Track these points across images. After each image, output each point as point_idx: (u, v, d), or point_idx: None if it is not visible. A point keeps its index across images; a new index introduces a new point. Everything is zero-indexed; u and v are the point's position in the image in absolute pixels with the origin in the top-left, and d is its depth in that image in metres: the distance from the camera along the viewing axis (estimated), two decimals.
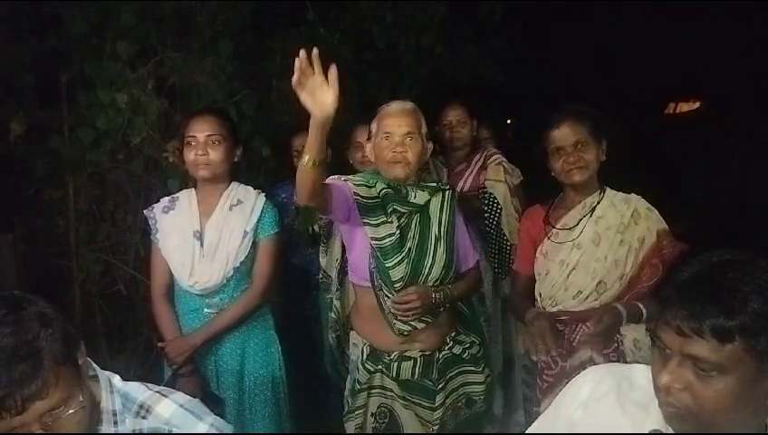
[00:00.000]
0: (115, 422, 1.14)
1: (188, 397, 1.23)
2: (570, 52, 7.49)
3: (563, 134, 1.94)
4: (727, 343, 0.90)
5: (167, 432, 1.16)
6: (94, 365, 1.17)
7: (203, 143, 2.08)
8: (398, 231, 1.94)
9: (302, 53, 1.50)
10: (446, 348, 2.04)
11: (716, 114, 8.15)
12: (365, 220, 1.92)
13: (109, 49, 2.81)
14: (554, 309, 1.99)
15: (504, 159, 2.96)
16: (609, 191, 2.01)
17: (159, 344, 2.16)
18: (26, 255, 2.84)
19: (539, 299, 2.05)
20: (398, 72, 4.15)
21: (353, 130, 2.70)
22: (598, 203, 1.99)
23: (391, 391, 2.01)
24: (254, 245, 2.17)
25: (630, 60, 7.76)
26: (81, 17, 2.71)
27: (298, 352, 2.52)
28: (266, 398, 2.21)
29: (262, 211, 2.17)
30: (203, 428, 1.18)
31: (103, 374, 1.18)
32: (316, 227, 2.67)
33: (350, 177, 2.02)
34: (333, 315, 2.21)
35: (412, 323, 1.95)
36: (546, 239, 2.05)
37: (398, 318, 1.94)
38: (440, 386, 2.01)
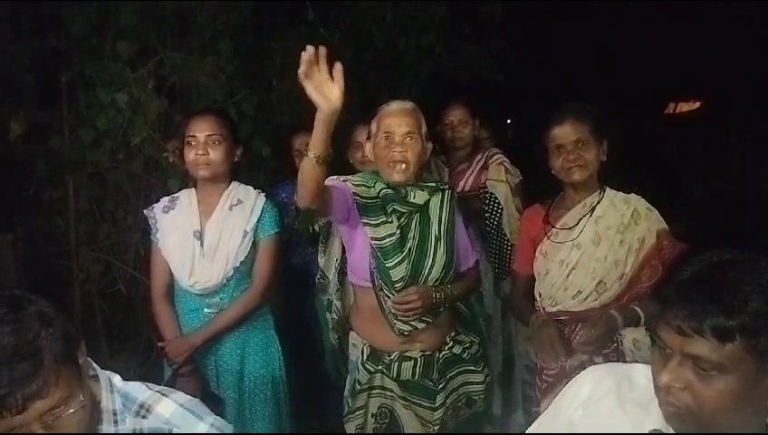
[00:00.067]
0: (115, 422, 1.14)
1: (189, 397, 1.23)
2: (570, 52, 7.49)
3: (565, 132, 1.94)
4: (728, 343, 0.90)
5: (167, 432, 1.16)
6: (94, 365, 1.17)
7: (203, 143, 2.08)
8: (399, 231, 1.94)
9: (310, 47, 1.51)
10: (447, 348, 2.04)
11: (716, 114, 8.15)
12: (365, 221, 1.92)
13: (109, 49, 2.81)
14: (554, 309, 1.99)
15: (506, 159, 2.96)
16: (609, 191, 2.01)
17: (159, 344, 2.16)
18: (26, 255, 2.84)
19: (538, 299, 2.05)
20: (398, 72, 4.15)
21: (353, 129, 2.70)
22: (598, 203, 1.99)
23: (391, 391, 2.01)
24: (255, 245, 2.17)
25: (630, 60, 7.76)
26: (81, 17, 2.71)
27: (298, 352, 2.52)
28: (266, 398, 2.21)
29: (262, 211, 2.18)
30: (203, 427, 1.18)
31: (104, 374, 1.18)
32: (316, 227, 2.67)
33: (350, 177, 2.02)
34: (335, 316, 2.21)
35: (413, 323, 1.95)
36: (546, 239, 2.05)
37: (399, 318, 1.94)
38: (440, 386, 2.01)
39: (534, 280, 2.08)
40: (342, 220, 1.95)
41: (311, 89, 1.53)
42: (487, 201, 2.89)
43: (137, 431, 1.16)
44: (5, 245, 2.76)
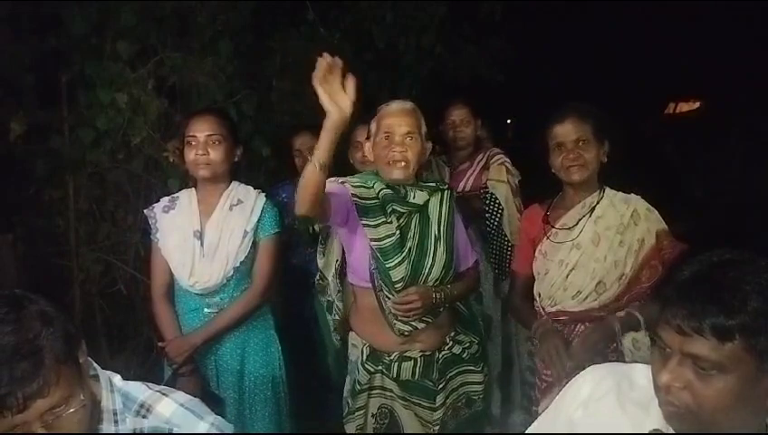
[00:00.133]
0: (116, 421, 1.14)
1: (189, 396, 1.23)
2: (570, 52, 7.50)
3: (566, 130, 1.94)
4: (727, 342, 0.90)
5: (167, 432, 1.16)
6: (95, 365, 1.17)
7: (203, 143, 2.08)
8: (398, 231, 1.94)
9: (327, 55, 1.53)
10: (446, 348, 2.03)
11: (716, 114, 8.15)
12: (364, 222, 1.92)
13: (109, 49, 2.81)
14: (553, 309, 1.99)
15: (507, 160, 2.95)
16: (608, 191, 2.01)
17: (159, 344, 2.16)
18: (26, 255, 2.85)
19: (538, 299, 2.05)
20: (398, 72, 4.15)
21: (353, 129, 2.70)
22: (597, 203, 1.98)
23: (391, 391, 2.01)
24: (255, 244, 2.17)
25: (630, 60, 7.77)
26: (81, 17, 2.71)
27: (298, 352, 2.52)
28: (266, 398, 2.21)
29: (262, 211, 2.18)
30: (204, 427, 1.18)
31: (104, 374, 1.18)
32: (316, 228, 2.67)
33: (348, 178, 2.02)
34: (336, 317, 2.21)
35: (413, 323, 1.95)
36: (545, 239, 2.04)
37: (399, 319, 1.94)
38: (440, 386, 2.00)
39: (533, 280, 2.08)
40: (341, 224, 1.95)
41: (323, 95, 1.55)
42: (488, 201, 2.88)
43: (137, 431, 1.16)
44: (5, 245, 2.76)
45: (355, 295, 2.10)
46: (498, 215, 2.87)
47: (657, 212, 1.99)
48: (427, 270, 1.96)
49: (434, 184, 2.07)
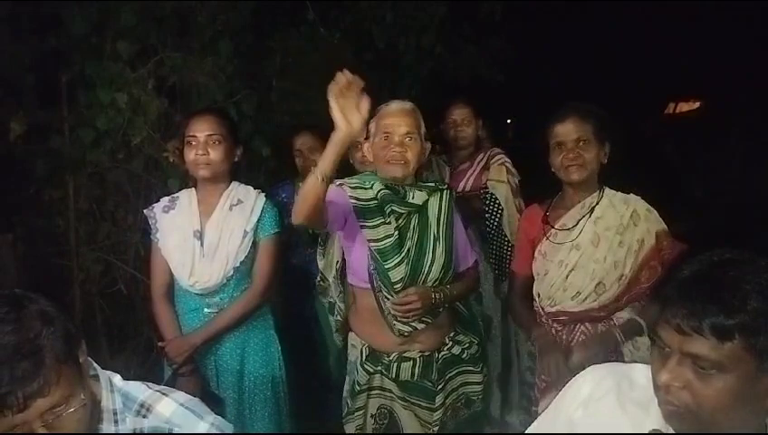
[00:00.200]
0: (116, 421, 1.14)
1: (189, 396, 1.23)
2: (570, 52, 7.50)
3: (566, 129, 1.93)
4: (727, 342, 0.90)
5: (167, 431, 1.16)
6: (95, 364, 1.18)
7: (203, 143, 2.08)
8: (397, 232, 1.93)
9: (348, 72, 1.54)
10: (446, 348, 2.03)
11: (716, 114, 8.16)
12: (362, 223, 1.92)
13: (109, 49, 2.81)
14: (553, 309, 1.99)
15: (507, 160, 2.95)
16: (608, 191, 2.00)
17: (159, 344, 2.16)
18: (26, 254, 2.84)
19: (537, 299, 2.05)
20: (398, 72, 4.16)
21: None
22: (597, 203, 1.98)
23: (391, 391, 2.01)
24: (255, 244, 2.17)
25: (630, 60, 7.77)
26: (81, 17, 2.71)
27: (298, 352, 2.52)
28: (266, 398, 2.21)
29: (262, 211, 2.17)
30: (204, 427, 1.18)
31: (104, 373, 1.18)
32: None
33: (346, 180, 2.01)
34: (338, 318, 2.21)
35: (412, 323, 1.95)
36: (545, 239, 2.04)
37: (399, 319, 1.94)
38: (440, 387, 2.00)
39: (533, 280, 2.08)
40: (339, 228, 1.97)
41: (336, 109, 1.55)
42: (487, 202, 2.88)
43: (137, 431, 1.16)
44: (5, 245, 2.76)
45: (354, 296, 2.09)
46: (498, 215, 2.86)
47: (656, 212, 1.99)
48: (426, 270, 1.95)
49: (433, 184, 2.06)
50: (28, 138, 2.72)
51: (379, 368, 1.99)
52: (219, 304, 2.14)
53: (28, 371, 0.97)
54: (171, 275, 2.15)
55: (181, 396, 1.22)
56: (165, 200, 2.23)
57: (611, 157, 1.98)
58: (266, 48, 3.44)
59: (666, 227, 1.98)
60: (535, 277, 2.06)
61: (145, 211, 2.25)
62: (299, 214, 1.75)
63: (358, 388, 2.02)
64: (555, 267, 1.99)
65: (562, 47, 7.34)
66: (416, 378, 1.98)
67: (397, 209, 1.94)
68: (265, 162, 3.22)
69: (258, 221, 2.16)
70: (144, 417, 1.17)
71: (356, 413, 2.02)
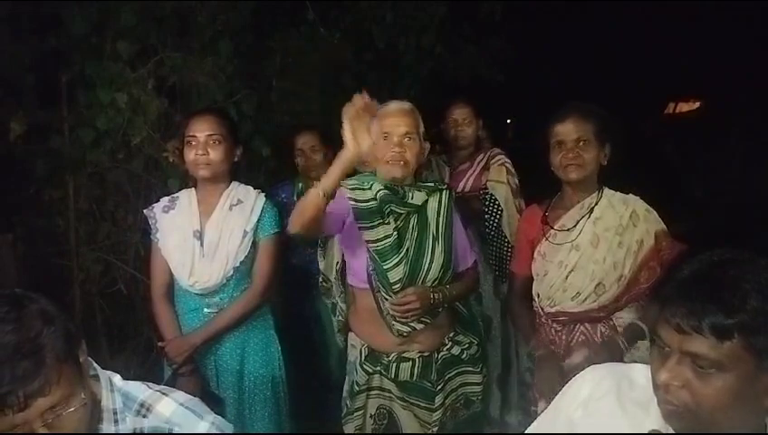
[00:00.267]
0: (116, 421, 1.15)
1: (189, 396, 1.23)
2: (570, 52, 7.50)
3: (567, 129, 1.93)
4: (726, 341, 0.90)
5: (167, 431, 1.16)
6: (95, 364, 1.18)
7: (203, 143, 2.08)
8: (396, 232, 1.93)
9: (366, 95, 1.61)
10: (445, 349, 2.03)
11: (716, 114, 8.16)
12: (361, 224, 1.92)
13: (109, 49, 2.81)
14: (552, 309, 1.99)
15: (507, 160, 2.94)
16: (607, 191, 2.00)
17: (159, 344, 2.16)
18: (26, 254, 2.84)
19: (537, 299, 2.05)
20: (398, 72, 4.16)
21: None
22: (596, 204, 1.98)
23: (390, 392, 2.01)
24: (254, 244, 2.17)
25: (630, 60, 7.77)
26: (81, 17, 2.71)
27: (298, 352, 2.52)
28: (266, 397, 2.21)
29: (262, 211, 2.18)
30: (204, 426, 1.18)
31: (104, 373, 1.18)
32: None
33: (344, 181, 2.01)
34: (340, 318, 2.21)
35: (411, 324, 1.95)
36: (544, 240, 2.04)
37: (398, 319, 1.94)
38: (439, 387, 2.00)
39: (532, 281, 2.08)
40: (338, 231, 1.98)
41: (348, 129, 1.60)
42: (487, 202, 2.87)
43: (137, 431, 1.16)
44: (5, 245, 2.76)
45: (354, 296, 2.09)
46: (497, 216, 2.85)
47: (655, 213, 1.98)
48: (425, 271, 1.95)
49: (432, 184, 2.06)
50: (28, 138, 2.72)
51: (379, 368, 2.00)
52: (219, 304, 2.14)
53: (29, 370, 0.97)
54: (171, 275, 2.15)
55: (181, 396, 1.22)
56: (165, 200, 2.23)
57: (611, 158, 1.98)
58: (266, 48, 3.44)
59: (665, 227, 1.98)
60: (535, 278, 2.06)
61: (145, 211, 2.25)
62: (296, 225, 1.79)
63: (357, 388, 2.02)
64: (555, 268, 1.98)
65: (562, 47, 7.34)
66: (415, 378, 1.98)
67: (396, 210, 1.94)
68: (265, 162, 3.22)
69: (258, 221, 2.16)
70: (144, 417, 1.17)
71: (355, 413, 2.02)
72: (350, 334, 2.13)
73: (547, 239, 2.03)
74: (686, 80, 8.47)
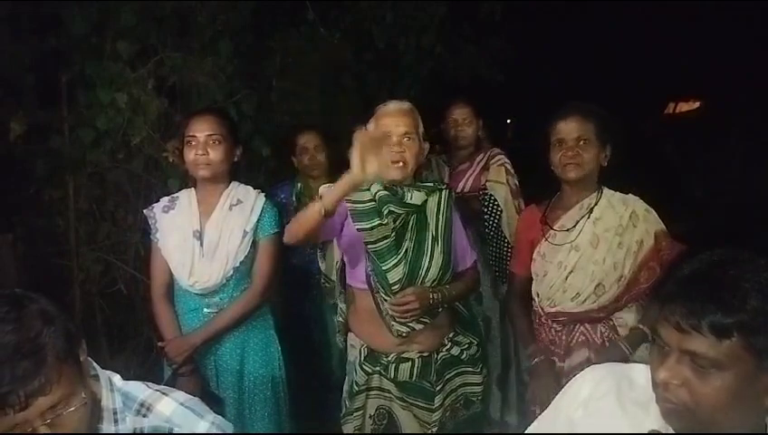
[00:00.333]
0: (116, 421, 1.15)
1: (189, 395, 1.23)
2: (570, 52, 7.50)
3: (568, 128, 1.93)
4: (725, 340, 0.90)
5: (168, 431, 1.16)
6: (95, 364, 1.18)
7: (203, 143, 2.08)
8: (394, 233, 1.92)
9: (384, 131, 1.73)
10: (445, 349, 2.02)
11: (716, 114, 8.16)
12: (358, 226, 1.91)
13: (109, 49, 2.81)
14: (552, 310, 1.99)
15: (507, 161, 2.94)
16: (606, 191, 2.00)
17: (159, 344, 2.16)
18: (26, 254, 2.84)
19: (537, 299, 2.05)
20: (398, 72, 4.16)
21: (353, 129, 2.70)
22: (595, 204, 1.98)
23: (389, 392, 2.00)
24: (254, 244, 2.17)
25: (630, 60, 7.77)
26: (81, 17, 2.71)
27: (298, 352, 2.52)
28: (266, 397, 2.21)
29: (262, 211, 2.18)
30: (204, 426, 1.18)
31: (104, 373, 1.18)
32: None
33: None
34: (340, 319, 2.21)
35: (410, 324, 1.94)
36: (544, 240, 2.04)
37: (397, 320, 1.94)
38: (438, 387, 2.00)
39: (531, 281, 2.08)
40: (336, 235, 1.98)
41: (358, 154, 1.63)
42: (486, 203, 2.87)
43: (137, 430, 1.16)
44: (5, 245, 2.76)
45: (353, 296, 2.09)
46: (497, 216, 2.85)
47: (655, 213, 1.98)
48: (424, 271, 1.95)
49: (432, 184, 2.06)
50: (28, 138, 2.72)
51: (378, 368, 1.99)
52: (219, 304, 2.14)
53: (29, 369, 0.97)
54: (171, 275, 2.15)
55: (181, 395, 1.22)
56: (165, 200, 2.23)
57: (612, 159, 1.97)
58: (266, 48, 3.44)
59: (664, 227, 1.98)
60: (534, 278, 2.06)
61: (145, 211, 2.25)
62: (294, 237, 1.85)
63: (356, 388, 2.01)
64: (554, 269, 1.98)
65: (562, 47, 7.34)
66: (414, 378, 1.98)
67: (394, 210, 1.92)
68: (265, 162, 3.22)
69: (258, 221, 2.16)
70: (144, 416, 1.17)
71: (355, 413, 2.02)
72: (350, 334, 2.13)
73: (546, 240, 2.03)
74: (686, 80, 8.47)
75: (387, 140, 1.74)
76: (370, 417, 2.02)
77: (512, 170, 2.92)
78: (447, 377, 2.03)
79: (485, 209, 2.87)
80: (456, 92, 3.41)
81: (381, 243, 1.91)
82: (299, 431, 2.46)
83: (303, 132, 2.88)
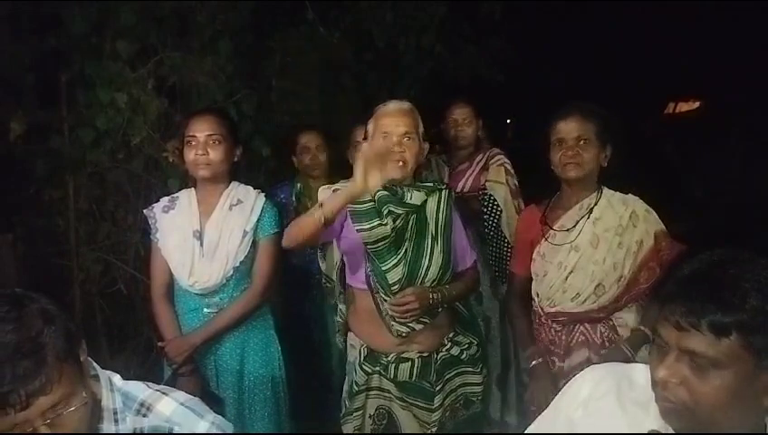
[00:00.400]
0: (116, 420, 1.15)
1: (189, 395, 1.23)
2: (570, 52, 7.50)
3: (569, 127, 1.93)
4: (724, 338, 0.90)
5: (168, 430, 1.16)
6: (95, 364, 1.18)
7: (203, 143, 2.08)
8: (394, 233, 1.91)
9: (389, 145, 1.78)
10: (444, 349, 2.02)
11: (716, 114, 8.16)
12: (358, 227, 1.91)
13: (108, 48, 2.81)
14: (552, 310, 1.99)
15: (507, 161, 2.94)
16: (606, 191, 1.99)
17: (159, 344, 2.16)
18: (26, 254, 2.84)
19: (536, 299, 2.05)
20: (398, 72, 4.16)
21: (353, 129, 2.70)
22: (595, 204, 1.97)
23: (389, 392, 2.00)
24: (254, 244, 2.17)
25: (630, 60, 7.77)
26: (81, 17, 2.71)
27: (298, 352, 2.52)
28: (266, 397, 2.21)
29: (261, 211, 2.18)
30: (204, 426, 1.18)
31: (104, 373, 1.18)
32: None
33: (341, 185, 2.01)
34: (339, 319, 2.21)
35: (410, 324, 1.94)
36: (543, 241, 2.03)
37: (397, 320, 1.93)
38: (438, 387, 1.99)
39: (531, 281, 2.08)
40: (334, 238, 1.99)
41: (361, 165, 1.65)
42: (486, 203, 2.87)
43: (137, 430, 1.16)
44: (5, 245, 2.76)
45: (353, 297, 2.09)
46: (496, 216, 2.85)
47: (655, 213, 1.98)
48: (423, 271, 1.95)
49: (432, 184, 2.06)
50: (28, 138, 2.72)
51: (378, 368, 1.99)
52: (219, 304, 2.14)
53: (30, 369, 0.97)
54: (171, 275, 2.15)
55: (181, 395, 1.22)
56: (165, 200, 2.23)
57: (612, 159, 1.97)
58: (266, 48, 3.44)
59: (664, 227, 1.98)
60: (534, 278, 2.06)
61: (145, 211, 2.25)
62: (293, 242, 1.89)
63: (356, 388, 2.01)
64: (554, 269, 1.98)
65: (562, 47, 7.34)
66: (414, 379, 1.98)
67: (394, 210, 1.92)
68: (265, 162, 3.22)
69: (258, 221, 2.16)
70: (144, 416, 1.17)
71: (354, 413, 2.02)
72: (350, 334, 2.12)
73: (546, 240, 2.03)
74: (686, 80, 8.47)
75: (390, 155, 1.77)
76: (370, 417, 2.02)
77: (511, 170, 2.92)
78: (447, 377, 2.02)
79: (485, 209, 2.87)
80: (456, 92, 3.41)
81: (381, 243, 1.90)
82: (299, 431, 2.46)
83: (305, 132, 2.87)
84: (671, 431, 1.00)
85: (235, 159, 2.19)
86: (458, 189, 2.85)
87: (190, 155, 2.09)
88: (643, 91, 8.38)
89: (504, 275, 2.81)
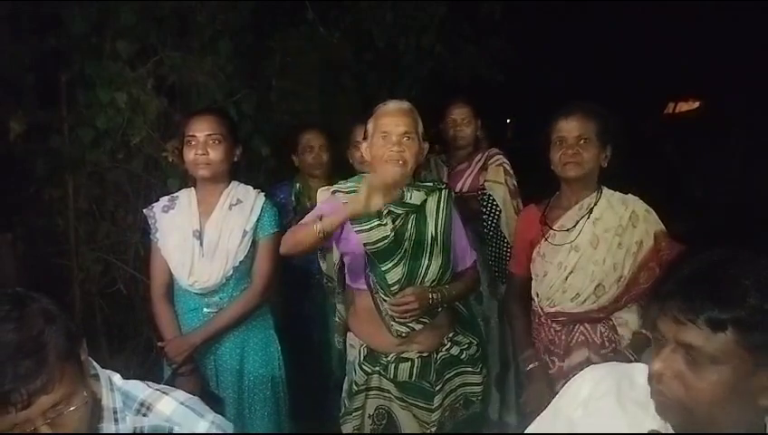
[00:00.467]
0: (116, 420, 1.15)
1: (189, 395, 1.23)
2: (570, 52, 7.50)
3: (570, 126, 1.93)
4: (719, 332, 0.90)
5: (168, 430, 1.16)
6: (95, 364, 1.18)
7: (203, 143, 2.08)
8: (393, 233, 1.91)
9: (398, 177, 1.82)
10: (444, 349, 2.02)
11: (716, 114, 8.16)
12: (357, 228, 1.91)
13: (108, 48, 2.81)
14: (552, 310, 1.99)
15: (506, 161, 2.94)
16: (606, 191, 1.99)
17: (159, 344, 2.17)
18: (26, 254, 2.84)
19: (536, 299, 2.05)
20: (398, 72, 4.16)
21: (353, 129, 2.70)
22: (595, 204, 1.97)
23: (389, 392, 2.00)
24: (254, 244, 2.17)
25: (630, 60, 7.77)
26: (81, 17, 2.71)
27: (298, 352, 2.52)
28: (265, 397, 2.21)
29: (261, 210, 2.18)
30: (204, 426, 1.18)
31: (104, 373, 1.18)
32: None
33: (340, 186, 2.01)
34: (338, 319, 2.21)
35: (410, 324, 1.94)
36: (543, 241, 2.03)
37: (396, 320, 1.93)
38: (438, 387, 1.99)
39: (530, 281, 2.08)
40: (335, 238, 1.99)
41: (365, 191, 1.69)
42: (485, 203, 2.87)
43: (137, 430, 1.16)
44: (5, 244, 2.76)
45: (353, 297, 2.09)
46: (495, 216, 2.85)
47: (654, 213, 1.98)
48: (423, 271, 1.95)
49: (431, 184, 2.05)
50: (28, 137, 2.72)
51: (377, 368, 1.99)
52: (219, 304, 2.14)
53: (31, 368, 0.98)
54: (171, 274, 2.15)
55: (181, 395, 1.22)
56: (164, 200, 2.23)
57: (612, 159, 1.97)
58: (266, 48, 3.44)
59: (664, 227, 1.98)
60: (534, 278, 2.06)
61: (144, 211, 2.25)
62: (290, 250, 1.93)
63: (356, 388, 2.01)
64: (554, 269, 1.98)
65: (562, 47, 7.34)
66: (414, 378, 1.98)
67: (394, 210, 1.92)
68: (265, 162, 3.22)
69: (258, 221, 2.16)
70: (144, 416, 1.17)
71: (354, 413, 2.02)
72: (349, 334, 2.12)
73: (546, 240, 2.02)
74: (686, 80, 8.46)
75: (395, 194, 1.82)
76: (370, 417, 2.02)
77: (510, 170, 2.92)
78: (447, 377, 2.02)
79: (484, 209, 2.87)
80: (456, 92, 3.41)
81: (380, 244, 1.90)
82: (298, 431, 2.46)
83: (308, 131, 2.86)
84: (671, 431, 1.00)
85: (235, 158, 2.19)
86: (457, 189, 2.85)
87: (190, 155, 2.10)
88: (643, 91, 8.38)
89: (504, 275, 2.81)
